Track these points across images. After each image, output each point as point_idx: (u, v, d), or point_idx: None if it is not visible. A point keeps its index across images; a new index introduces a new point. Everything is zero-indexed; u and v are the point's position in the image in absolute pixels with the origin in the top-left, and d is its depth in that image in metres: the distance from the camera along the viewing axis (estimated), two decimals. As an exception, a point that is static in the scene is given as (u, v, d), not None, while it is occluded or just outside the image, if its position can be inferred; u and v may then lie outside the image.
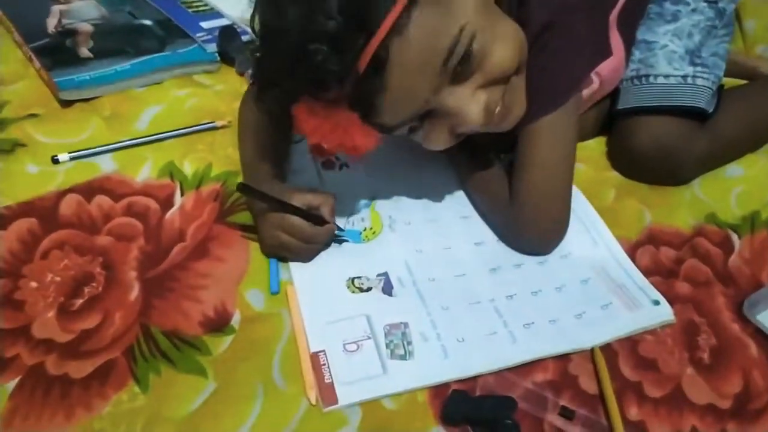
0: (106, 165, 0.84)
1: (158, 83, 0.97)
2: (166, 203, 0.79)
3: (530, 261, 0.75)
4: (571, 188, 0.75)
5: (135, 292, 0.69)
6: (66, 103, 0.93)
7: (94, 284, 0.70)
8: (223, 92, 0.97)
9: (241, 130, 0.82)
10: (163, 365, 0.63)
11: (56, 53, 0.98)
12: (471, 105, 0.65)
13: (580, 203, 0.81)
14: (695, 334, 0.68)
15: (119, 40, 1.02)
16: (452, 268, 0.74)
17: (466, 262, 0.75)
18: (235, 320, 0.68)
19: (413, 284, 0.72)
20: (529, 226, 0.74)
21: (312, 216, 0.71)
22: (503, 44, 0.64)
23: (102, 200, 0.79)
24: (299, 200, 0.71)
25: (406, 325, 0.68)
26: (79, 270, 0.71)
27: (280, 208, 0.70)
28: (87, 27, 1.04)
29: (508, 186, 0.76)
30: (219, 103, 0.94)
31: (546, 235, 0.75)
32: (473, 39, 0.61)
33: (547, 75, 0.71)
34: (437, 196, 0.83)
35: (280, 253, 0.73)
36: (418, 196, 0.83)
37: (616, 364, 0.65)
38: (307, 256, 0.73)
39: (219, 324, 0.67)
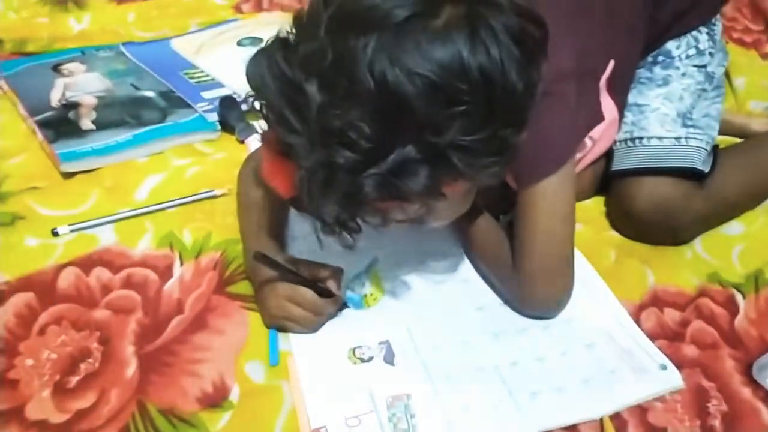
0: (106, 236, 0.84)
1: (159, 153, 0.98)
2: (165, 274, 0.79)
3: (534, 326, 0.74)
4: (573, 250, 0.75)
5: (132, 368, 0.68)
6: (67, 175, 0.93)
7: (90, 360, 0.69)
8: (224, 160, 0.98)
9: (243, 204, 0.83)
10: (159, 445, 0.61)
11: (59, 126, 1.00)
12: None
13: (581, 265, 0.80)
14: (705, 399, 0.67)
15: (121, 112, 1.03)
16: (455, 334, 0.73)
17: (468, 327, 0.74)
18: (234, 394, 0.66)
19: (416, 352, 0.71)
20: (534, 290, 0.73)
21: (320, 288, 0.71)
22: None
23: (101, 272, 0.79)
24: (308, 272, 0.71)
25: (408, 396, 0.66)
26: (76, 346, 0.70)
27: (292, 278, 0.70)
28: (90, 99, 1.06)
29: (509, 249, 0.76)
30: (219, 171, 0.95)
31: (550, 300, 0.75)
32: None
33: (543, 142, 0.71)
34: (438, 259, 0.83)
35: (284, 324, 0.72)
36: (418, 260, 0.82)
37: (626, 433, 0.64)
38: (313, 328, 0.73)
39: (217, 399, 0.66)
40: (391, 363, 0.70)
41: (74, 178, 0.94)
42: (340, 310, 0.75)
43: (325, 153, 0.55)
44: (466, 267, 0.82)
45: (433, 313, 0.76)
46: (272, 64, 0.56)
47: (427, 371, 0.69)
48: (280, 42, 0.58)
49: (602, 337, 0.73)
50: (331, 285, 0.72)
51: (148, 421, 0.63)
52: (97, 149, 0.96)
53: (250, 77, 0.58)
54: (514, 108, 0.58)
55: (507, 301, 0.77)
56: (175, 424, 0.63)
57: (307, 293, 0.70)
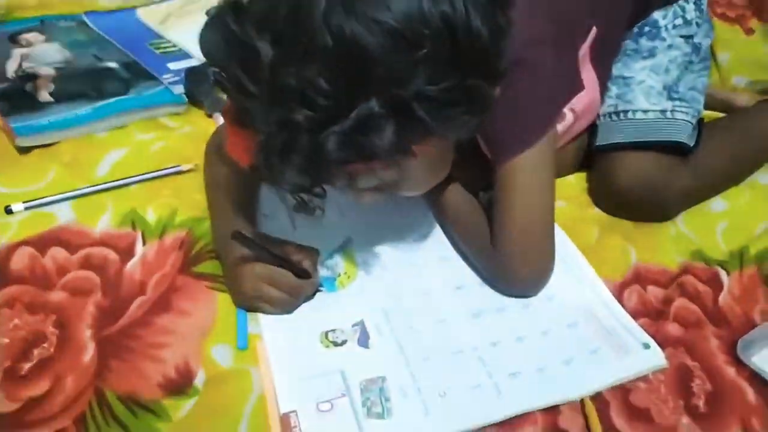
0: (63, 214, 0.79)
1: (121, 127, 0.93)
2: (127, 254, 0.75)
3: (514, 305, 0.72)
4: (553, 226, 0.72)
5: (89, 353, 0.64)
6: (24, 150, 0.88)
7: (45, 345, 0.65)
8: (191, 135, 0.93)
9: (210, 182, 0.79)
10: (117, 434, 0.57)
11: (14, 98, 0.94)
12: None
13: (562, 243, 0.77)
14: (689, 379, 0.65)
15: (82, 84, 0.98)
16: (432, 314, 0.70)
17: (446, 307, 0.71)
18: (199, 380, 0.63)
19: (391, 333, 0.68)
20: (513, 269, 0.71)
21: (297, 269, 0.68)
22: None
23: (57, 252, 0.74)
24: (283, 252, 0.68)
25: (383, 379, 0.63)
26: (30, 330, 0.66)
27: (268, 258, 0.67)
28: (48, 71, 1.00)
29: (488, 226, 0.73)
30: (186, 146, 0.90)
31: (531, 277, 0.72)
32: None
33: (518, 112, 0.68)
34: (415, 237, 0.79)
35: (258, 306, 0.68)
36: (394, 238, 0.79)
37: (608, 415, 0.61)
38: (288, 310, 0.69)
39: (181, 385, 0.62)
40: (366, 345, 0.67)
41: (31, 153, 0.88)
42: (315, 292, 0.71)
43: (282, 113, 0.51)
44: (445, 246, 0.79)
45: (409, 293, 0.72)
46: (223, 26, 0.52)
47: (403, 353, 0.66)
48: (231, 4, 0.54)
49: (584, 316, 0.70)
50: (307, 266, 0.69)
51: (106, 409, 0.59)
52: (54, 123, 0.90)
53: (202, 43, 0.54)
54: (480, 55, 0.55)
55: (486, 280, 0.74)
56: (136, 412, 0.59)
57: (285, 274, 0.67)
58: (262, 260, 0.67)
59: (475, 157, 0.75)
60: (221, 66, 0.54)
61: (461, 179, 0.78)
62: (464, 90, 0.54)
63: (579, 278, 0.75)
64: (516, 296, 0.72)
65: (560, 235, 0.78)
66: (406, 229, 0.80)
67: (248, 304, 0.69)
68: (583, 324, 0.69)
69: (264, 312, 0.69)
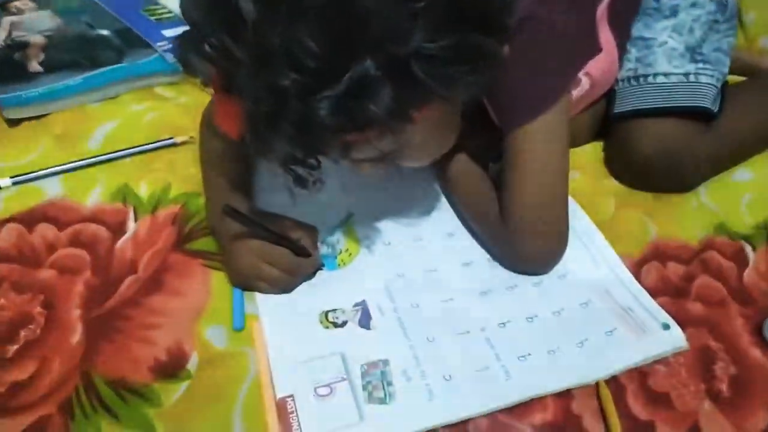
0: (52, 189, 0.76)
1: (114, 97, 0.90)
2: (118, 230, 0.71)
3: (524, 282, 0.68)
4: (567, 198, 0.68)
5: (78, 335, 0.61)
6: (13, 122, 0.85)
7: (32, 326, 0.62)
8: (186, 105, 0.89)
9: (204, 154, 0.75)
10: (104, 421, 0.55)
11: (3, 68, 0.90)
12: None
13: (577, 217, 0.73)
14: (711, 362, 0.61)
15: (73, 53, 0.94)
16: (438, 293, 0.66)
17: (453, 285, 0.67)
18: (192, 363, 0.60)
19: (394, 312, 0.64)
20: (524, 244, 0.66)
21: (296, 246, 0.64)
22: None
23: (46, 229, 0.71)
24: (281, 229, 0.65)
25: (385, 362, 0.60)
26: (17, 310, 0.63)
27: (265, 235, 0.63)
28: (39, 39, 0.96)
29: (496, 198, 0.68)
30: (181, 117, 0.86)
31: (543, 253, 0.68)
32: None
33: (530, 75, 0.63)
34: (420, 211, 0.75)
35: (255, 285, 0.65)
36: (398, 213, 0.75)
37: (624, 400, 0.58)
38: (286, 289, 0.66)
39: (173, 368, 0.59)
40: (367, 327, 0.63)
41: (20, 125, 0.85)
42: (315, 271, 0.68)
43: (269, 77, 0.47)
44: (451, 220, 0.75)
45: (414, 270, 0.69)
46: None
47: (407, 335, 0.62)
48: None
49: (599, 295, 0.66)
50: (306, 244, 0.65)
51: (93, 394, 0.56)
52: (44, 93, 0.86)
53: (183, 6, 0.50)
54: (485, 7, 0.50)
55: (495, 257, 0.70)
56: (124, 397, 0.56)
57: (284, 252, 0.64)
58: (258, 237, 0.63)
59: (483, 124, 0.71)
60: (202, 27, 0.49)
61: (468, 149, 0.74)
62: (468, 47, 0.50)
63: (594, 254, 0.70)
64: (527, 273, 0.68)
65: (574, 208, 0.74)
66: (412, 203, 0.76)
67: (245, 282, 0.65)
68: (598, 303, 0.65)
69: (261, 291, 0.65)
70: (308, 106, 0.47)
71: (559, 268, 0.68)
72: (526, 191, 0.65)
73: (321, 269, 0.68)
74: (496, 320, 0.64)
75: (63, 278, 0.66)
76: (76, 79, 0.89)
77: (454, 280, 0.68)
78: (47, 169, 0.77)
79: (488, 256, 0.71)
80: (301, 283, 0.66)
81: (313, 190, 0.69)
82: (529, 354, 0.61)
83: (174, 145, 0.82)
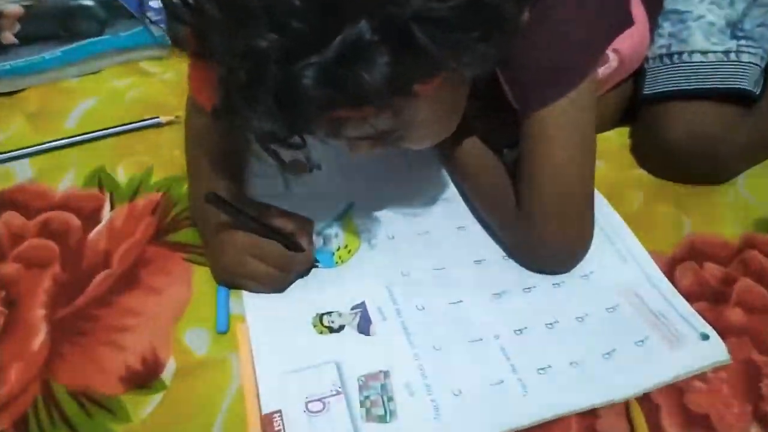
0: (22, 173, 0.69)
1: (96, 72, 0.82)
2: (91, 219, 0.64)
3: (543, 283, 0.60)
4: (592, 189, 0.60)
5: (40, 337, 0.55)
6: (-17, 98, 0.78)
7: (-11, 327, 0.55)
8: (173, 82, 0.82)
9: (189, 134, 0.67)
10: (64, 439, 0.48)
11: (-26, 40, 0.83)
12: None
13: (602, 209, 0.66)
14: (757, 378, 0.53)
15: (52, 24, 0.86)
16: (446, 294, 0.59)
17: (463, 285, 0.60)
18: (168, 372, 0.53)
19: (397, 316, 0.57)
20: (543, 239, 0.59)
21: (288, 240, 0.57)
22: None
23: (11, 217, 0.64)
24: (273, 221, 0.58)
25: (386, 374, 0.53)
26: (-26, 309, 0.57)
27: (254, 227, 0.56)
28: (15, 9, 0.88)
29: (512, 188, 0.61)
30: (167, 95, 0.79)
31: (565, 250, 0.60)
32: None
33: (552, 51, 0.56)
34: (428, 201, 0.68)
35: (241, 282, 0.58)
36: (403, 203, 0.67)
37: (658, 421, 0.51)
38: (277, 288, 0.59)
39: (146, 378, 0.52)
40: (366, 332, 0.56)
41: (-9, 102, 0.78)
42: (309, 268, 0.61)
43: (245, 38, 0.39)
44: (463, 212, 0.67)
45: (419, 269, 0.61)
46: None
47: (411, 342, 0.55)
48: None
49: (628, 298, 0.59)
50: (300, 237, 0.58)
51: (53, 407, 0.50)
52: (17, 67, 0.79)
53: None
54: None
55: (510, 253, 0.63)
56: (89, 411, 0.50)
57: (274, 246, 0.56)
58: (245, 229, 0.56)
59: (496, 105, 0.63)
60: None
61: (480, 133, 0.66)
62: (480, 10, 0.42)
63: (621, 251, 0.63)
64: (546, 273, 0.61)
65: (598, 201, 0.66)
66: (419, 192, 0.69)
67: (230, 279, 0.59)
68: (627, 308, 0.58)
69: (248, 289, 0.58)
70: (290, 74, 0.40)
71: (582, 266, 0.61)
72: (547, 180, 0.58)
73: (316, 266, 0.61)
74: (511, 326, 0.57)
75: (29, 273, 0.60)
76: (53, 51, 0.82)
77: (465, 280, 0.61)
78: (15, 150, 0.70)
79: (503, 252, 0.63)
80: (293, 282, 0.59)
81: (307, 177, 0.62)
82: (549, 366, 0.54)
83: (158, 125, 0.74)
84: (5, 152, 0.69)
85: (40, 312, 0.56)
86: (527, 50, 0.55)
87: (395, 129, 0.51)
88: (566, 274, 0.61)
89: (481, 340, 0.56)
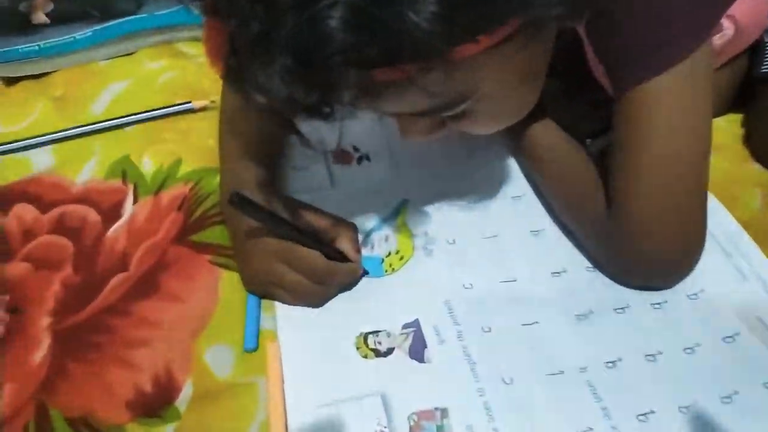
0: (41, 162, 0.62)
1: (129, 54, 0.75)
2: (111, 214, 0.57)
3: (639, 303, 0.49)
4: (706, 184, 0.48)
5: (42, 351, 0.47)
6: (10, 82, 0.72)
7: (-12, 337, 0.48)
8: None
9: (223, 119, 0.59)
10: (54, 479, 0.40)
11: (5, 19, 0.77)
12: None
13: (715, 215, 0.53)
14: None
15: (84, 2, 0.80)
16: (518, 313, 0.49)
17: (539, 302, 0.49)
18: (183, 397, 0.45)
19: (458, 339, 0.47)
20: (642, 246, 0.47)
21: (328, 248, 0.48)
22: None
23: (24, 210, 0.57)
24: (312, 224, 0.49)
25: (444, 412, 0.43)
26: (-25, 314, 0.50)
27: (287, 233, 0.47)
28: (50, -12, 0.83)
29: (601, 183, 0.50)
30: (203, 79, 0.71)
31: (669, 260, 0.48)
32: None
33: (656, 9, 0.44)
34: (495, 200, 0.57)
35: (273, 293, 0.49)
36: (467, 202, 0.57)
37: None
38: (314, 302, 0.49)
39: (157, 404, 0.44)
40: (420, 358, 0.46)
41: (17, 85, 0.72)
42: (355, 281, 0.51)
43: None
44: (537, 213, 0.56)
45: (485, 281, 0.51)
46: None
47: (475, 373, 0.45)
48: None
49: (750, 325, 0.47)
50: (343, 245, 0.49)
51: (46, 437, 0.42)
52: (46, 48, 0.73)
53: None
54: None
55: (598, 264, 0.51)
56: (87, 443, 0.42)
57: (311, 254, 0.47)
58: (278, 235, 0.47)
59: (579, 87, 0.53)
60: None
61: (558, 119, 0.56)
62: None
63: (740, 267, 0.51)
64: (644, 288, 0.49)
65: (710, 203, 0.53)
66: (485, 189, 0.58)
67: (260, 288, 0.50)
68: (749, 337, 0.46)
69: (281, 301, 0.50)
70: (311, 15, 0.30)
71: (689, 283, 0.49)
72: (649, 173, 0.46)
73: (364, 274, 0.51)
74: (601, 357, 0.46)
75: (38, 275, 0.52)
76: (84, 32, 0.75)
77: (541, 296, 0.50)
78: (31, 138, 0.63)
79: (587, 263, 0.52)
80: (334, 296, 0.50)
81: (354, 170, 0.53)
82: (652, 411, 0.42)
83: (191, 111, 0.67)
84: (20, 140, 0.63)
85: (45, 321, 0.49)
86: (625, 9, 0.44)
87: (452, 101, 0.40)
88: (669, 292, 0.49)
89: (563, 373, 0.45)
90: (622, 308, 0.49)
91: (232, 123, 0.56)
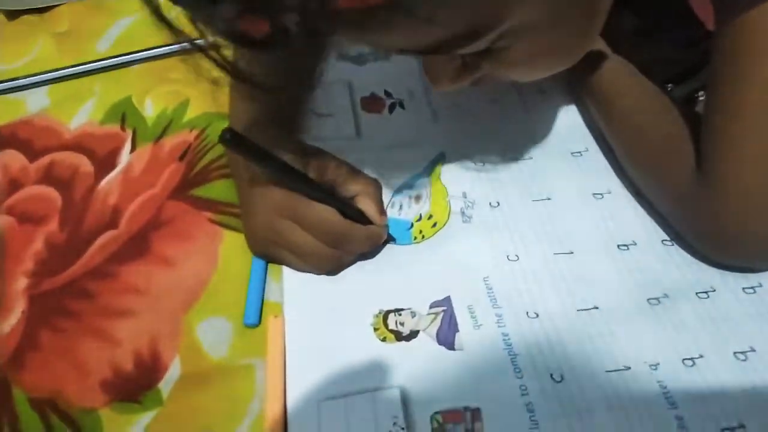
0: (35, 103, 0.56)
1: (142, -13, 0.68)
2: (106, 163, 0.50)
3: (728, 286, 0.39)
4: None
5: (15, 317, 0.41)
6: (11, 15, 0.65)
7: (-41, 299, 0.43)
8: (230, -2, 0.65)
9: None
10: (9, 472, 0.34)
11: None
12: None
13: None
14: None
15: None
16: (574, 295, 0.40)
17: (601, 281, 0.40)
18: (168, 379, 0.38)
19: (497, 323, 0.39)
20: (738, 214, 0.37)
21: (346, 205, 0.40)
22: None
23: (12, 157, 0.51)
24: (327, 175, 0.41)
25: (475, 413, 0.35)
26: (-52, 273, 0.44)
27: (296, 184, 0.39)
28: None
29: (689, 137, 0.40)
30: (219, 13, 0.63)
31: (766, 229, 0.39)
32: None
33: None
34: (551, 156, 0.48)
35: (279, 255, 0.42)
36: (516, 157, 0.48)
37: None
38: (327, 269, 0.42)
39: (137, 386, 0.38)
40: (450, 345, 0.38)
41: (19, 19, 0.65)
42: (378, 247, 0.43)
43: None
44: (601, 173, 0.46)
45: (535, 254, 0.42)
46: None
47: (517, 366, 0.36)
48: None
49: None
50: (365, 204, 0.41)
51: (5, 419, 0.36)
52: (50, -22, 0.66)
53: None
54: None
55: (679, 236, 0.42)
56: (53, 429, 0.36)
57: (323, 211, 0.39)
58: (287, 186, 0.40)
59: (659, 21, 0.44)
60: None
61: (636, 61, 0.45)
62: None
63: None
64: (734, 269, 0.40)
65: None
66: (538, 143, 0.49)
67: (263, 250, 0.42)
68: None
69: (288, 265, 0.42)
70: None
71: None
72: (751, 128, 0.36)
73: (390, 241, 0.43)
74: (678, 352, 0.36)
75: (20, 229, 0.46)
76: (92, -40, 0.67)
77: (603, 274, 0.41)
78: (26, 77, 0.57)
79: (664, 234, 0.42)
80: (352, 263, 0.42)
81: (385, 119, 0.44)
82: (743, 426, 0.33)
83: (201, 49, 0.58)
84: (14, 79, 0.56)
85: (22, 283, 0.43)
86: None
87: (463, 33, 0.31)
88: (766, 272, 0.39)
89: (629, 369, 0.36)
90: (705, 292, 0.39)
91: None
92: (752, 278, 0.39)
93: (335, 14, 0.26)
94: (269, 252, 0.42)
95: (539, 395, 0.35)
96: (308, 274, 0.41)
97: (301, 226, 0.40)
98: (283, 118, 0.47)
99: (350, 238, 0.40)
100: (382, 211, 0.42)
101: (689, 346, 0.37)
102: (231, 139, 0.35)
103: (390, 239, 0.43)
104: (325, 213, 0.39)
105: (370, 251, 0.42)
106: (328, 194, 0.40)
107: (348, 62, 0.56)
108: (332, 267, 0.41)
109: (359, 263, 0.42)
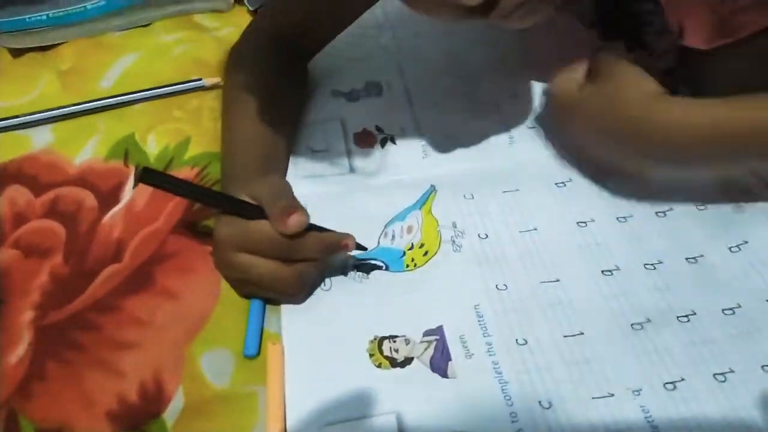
0: (41, 138, 0.58)
1: (144, 26, 0.70)
2: (110, 198, 0.52)
3: (708, 307, 0.41)
4: None
5: (22, 349, 0.42)
6: (16, 53, 0.67)
7: (-33, 331, 0.44)
8: (229, 40, 0.66)
9: (227, 98, 0.54)
10: (17, 501, 0.35)
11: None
12: None
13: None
14: None
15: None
16: (562, 323, 0.42)
17: (586, 310, 0.42)
18: (173, 408, 0.39)
19: (487, 352, 0.40)
20: None
21: (245, 207, 0.42)
22: None
23: (17, 192, 0.53)
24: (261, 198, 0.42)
25: (469, 439, 0.36)
26: (-44, 305, 0.45)
27: (212, 200, 0.43)
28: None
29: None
30: (217, 54, 0.65)
31: None
32: None
33: None
34: (537, 188, 0.50)
35: (256, 293, 0.43)
36: (503, 189, 0.50)
37: None
38: (297, 289, 0.43)
39: (142, 416, 0.39)
40: (443, 372, 0.40)
41: (23, 57, 0.67)
42: (367, 272, 0.45)
43: None
44: (587, 203, 0.49)
45: (523, 282, 0.44)
46: None
47: (507, 395, 0.38)
48: None
49: None
50: (269, 205, 0.41)
51: (13, 452, 0.37)
52: (55, 17, 0.68)
53: None
54: None
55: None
56: (59, 459, 0.37)
57: (259, 225, 0.40)
58: (227, 212, 0.42)
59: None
60: None
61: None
62: None
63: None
64: None
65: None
66: (526, 176, 0.51)
67: (242, 291, 0.44)
68: None
69: (264, 300, 0.44)
70: None
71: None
72: None
73: (380, 268, 0.45)
74: (659, 377, 0.38)
75: (26, 263, 0.48)
76: (95, 1, 0.70)
77: (589, 301, 0.43)
78: (30, 114, 0.58)
79: (645, 258, 0.44)
80: (320, 276, 0.44)
81: (376, 154, 0.47)
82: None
83: (201, 88, 0.61)
84: (19, 116, 0.58)
85: (28, 315, 0.44)
86: None
87: None
88: None
89: (613, 396, 0.38)
90: (686, 316, 0.41)
91: (239, 98, 0.51)
92: (731, 299, 0.41)
93: None
94: (247, 291, 0.44)
95: (528, 422, 0.37)
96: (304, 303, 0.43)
97: (248, 251, 0.41)
98: (279, 156, 0.50)
99: (297, 246, 0.40)
100: (291, 209, 0.40)
101: (671, 369, 0.39)
102: (144, 175, 0.38)
103: (381, 266, 0.45)
104: (260, 225, 0.40)
105: (341, 267, 0.44)
106: (253, 207, 0.41)
107: (341, 98, 0.58)
108: (300, 286, 0.42)
109: (354, 293, 0.44)
